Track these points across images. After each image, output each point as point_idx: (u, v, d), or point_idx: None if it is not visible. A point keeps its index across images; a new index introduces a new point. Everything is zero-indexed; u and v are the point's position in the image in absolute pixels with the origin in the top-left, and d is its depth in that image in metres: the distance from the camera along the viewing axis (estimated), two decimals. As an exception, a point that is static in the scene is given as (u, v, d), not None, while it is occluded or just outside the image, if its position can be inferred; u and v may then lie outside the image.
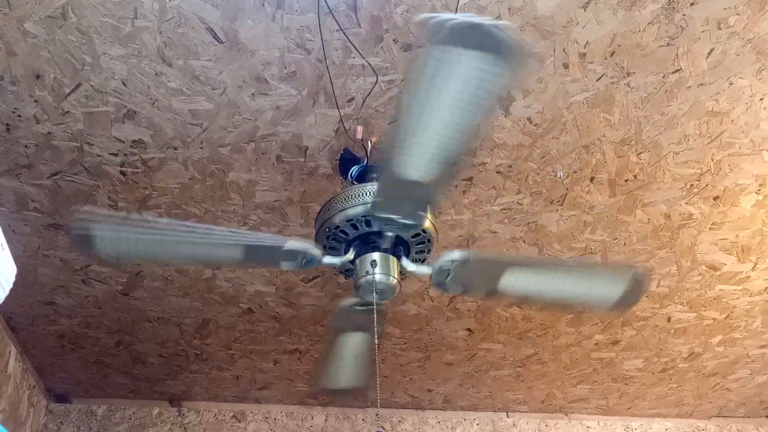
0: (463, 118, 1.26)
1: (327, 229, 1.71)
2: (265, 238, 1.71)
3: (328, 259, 1.72)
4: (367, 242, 1.72)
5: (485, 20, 1.10)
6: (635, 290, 1.77)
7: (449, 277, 1.69)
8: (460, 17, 1.10)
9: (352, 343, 1.98)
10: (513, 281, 1.72)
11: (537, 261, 1.73)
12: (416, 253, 1.75)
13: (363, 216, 1.65)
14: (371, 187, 1.71)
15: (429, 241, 1.72)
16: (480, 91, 1.20)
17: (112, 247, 1.62)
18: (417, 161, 1.39)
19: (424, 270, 1.73)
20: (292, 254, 1.67)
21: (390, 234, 1.68)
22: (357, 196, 1.69)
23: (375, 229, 1.67)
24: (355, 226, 1.68)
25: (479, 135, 1.45)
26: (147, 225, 1.64)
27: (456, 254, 1.67)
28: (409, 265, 1.72)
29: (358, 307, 1.82)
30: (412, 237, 1.70)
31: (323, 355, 2.09)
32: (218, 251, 1.68)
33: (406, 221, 1.60)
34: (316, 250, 1.68)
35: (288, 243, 1.65)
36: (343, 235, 1.71)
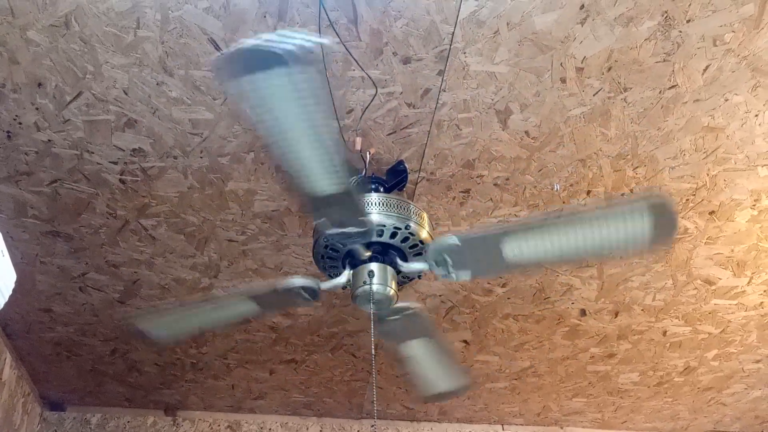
0: (310, 123, 1.29)
1: (319, 249, 1.73)
2: (265, 285, 1.80)
3: (326, 285, 1.76)
4: (358, 255, 1.73)
5: (249, 42, 1.14)
6: (665, 218, 1.53)
7: (450, 266, 1.66)
8: (227, 51, 1.18)
9: (414, 351, 1.99)
10: (518, 249, 1.60)
11: (535, 221, 1.61)
12: (414, 255, 1.76)
13: (322, 239, 1.68)
14: (369, 198, 1.72)
15: (422, 242, 1.72)
16: (297, 96, 1.23)
17: (163, 332, 2.00)
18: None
19: (419, 266, 1.73)
20: (294, 293, 1.75)
21: (363, 244, 1.70)
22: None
23: (381, 240, 1.69)
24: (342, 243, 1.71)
25: (338, 133, 1.49)
26: (182, 308, 1.92)
27: (443, 240, 1.64)
28: (407, 267, 1.73)
29: (392, 317, 1.83)
30: (402, 242, 1.71)
31: (400, 368, 2.13)
32: (233, 311, 1.87)
33: (356, 229, 1.61)
34: (311, 283, 1.74)
35: (283, 284, 1.74)
36: (334, 252, 1.73)
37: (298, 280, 1.74)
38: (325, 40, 1.19)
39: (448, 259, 1.65)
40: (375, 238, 1.69)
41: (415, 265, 1.73)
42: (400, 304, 1.78)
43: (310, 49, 1.16)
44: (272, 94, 1.21)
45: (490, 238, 1.61)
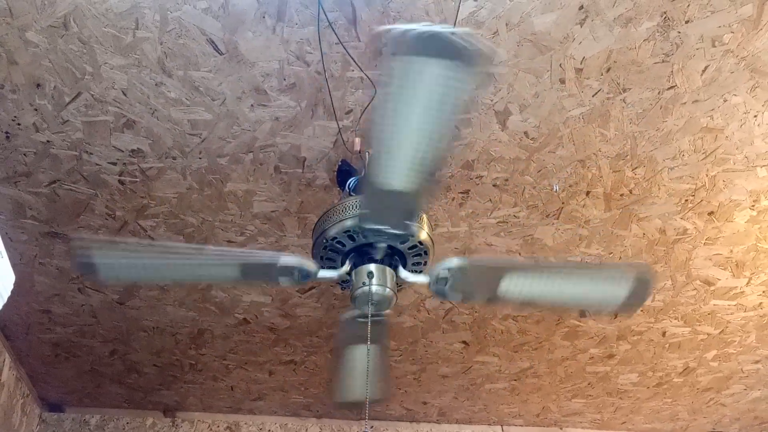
0: (434, 125, 1.29)
1: (323, 241, 1.72)
2: (260, 254, 1.73)
3: (323, 273, 1.72)
4: (362, 254, 1.73)
5: (443, 28, 1.13)
6: (641, 290, 1.72)
7: (448, 285, 1.68)
8: (419, 27, 1.13)
9: (359, 355, 1.98)
10: (513, 286, 1.69)
11: (536, 265, 1.71)
12: (413, 264, 1.76)
13: (352, 228, 1.66)
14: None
15: (425, 252, 1.73)
16: (447, 97, 1.23)
17: (115, 272, 1.72)
18: (396, 171, 1.41)
19: (421, 279, 1.73)
20: (287, 270, 1.68)
21: (383, 245, 1.69)
22: (353, 207, 1.70)
23: (370, 240, 1.68)
24: (351, 238, 1.69)
25: (454, 141, 1.48)
26: (145, 249, 1.74)
27: (453, 261, 1.66)
28: (407, 276, 1.73)
29: (360, 319, 1.82)
30: (409, 248, 1.71)
31: (333, 368, 2.10)
32: (215, 270, 1.73)
33: (394, 231, 1.61)
34: (310, 265, 1.69)
35: (282, 259, 1.67)
36: (340, 246, 1.72)
37: (297, 260, 1.69)
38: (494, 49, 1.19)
39: (450, 279, 1.67)
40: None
41: (416, 278, 1.74)
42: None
43: (483, 54, 1.16)
44: (432, 83, 1.20)
45: (495, 270, 1.68)
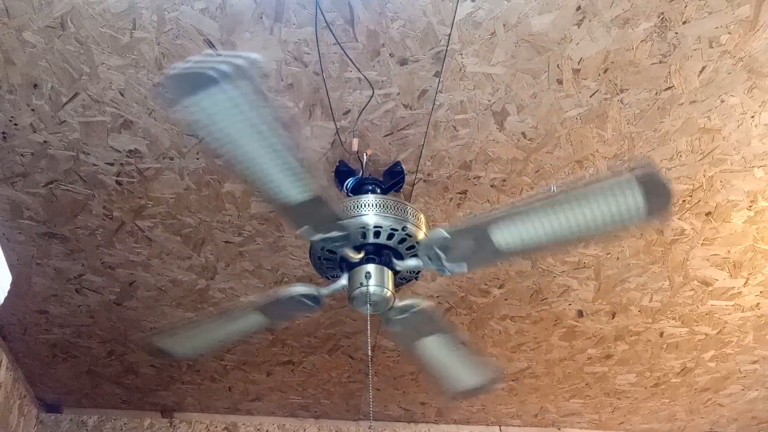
0: (260, 139, 1.30)
1: (316, 252, 1.73)
2: (267, 297, 1.81)
3: (327, 290, 1.77)
4: (350, 257, 1.73)
5: (185, 63, 1.17)
6: (656, 189, 1.43)
7: (443, 260, 1.66)
8: (173, 71, 1.18)
9: (243, 323, 1.97)
10: (507, 236, 1.57)
11: (521, 207, 1.54)
12: (411, 257, 1.76)
13: (377, 227, 1.68)
14: (366, 199, 1.72)
15: (418, 243, 1.72)
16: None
17: (182, 349, 2.03)
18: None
19: (413, 263, 1.73)
20: (298, 301, 1.77)
21: (380, 245, 1.69)
22: (352, 208, 1.70)
23: (378, 241, 1.70)
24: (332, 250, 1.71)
25: (299, 142, 1.51)
26: (196, 324, 1.94)
27: (433, 234, 1.64)
28: (402, 265, 1.74)
29: (303, 299, 1.82)
30: (399, 243, 1.71)
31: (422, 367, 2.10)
32: (247, 324, 1.89)
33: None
34: (311, 290, 1.76)
35: (287, 292, 1.75)
36: (332, 254, 1.73)
37: (298, 288, 1.76)
38: (255, 56, 1.19)
39: (441, 254, 1.64)
40: (371, 240, 1.69)
41: (408, 263, 1.73)
42: (406, 302, 1.76)
43: (242, 65, 1.17)
44: (216, 112, 1.23)
45: (479, 228, 1.58)
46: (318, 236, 1.59)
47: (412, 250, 1.74)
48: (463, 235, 1.62)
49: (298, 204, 1.47)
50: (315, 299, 1.77)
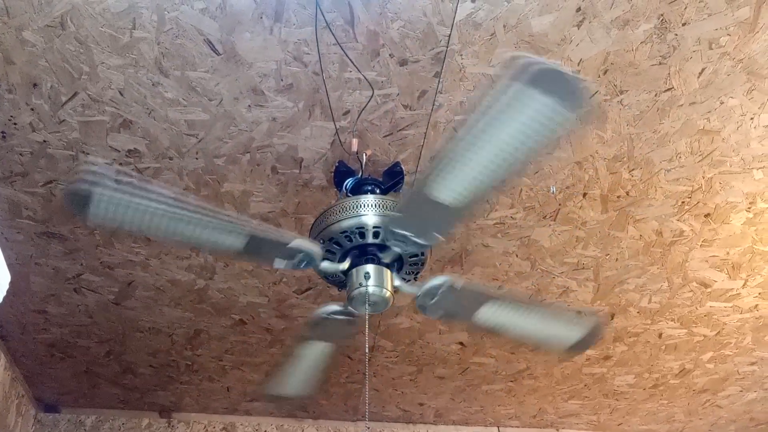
0: (513, 155, 1.30)
1: (321, 241, 1.72)
2: (272, 231, 1.65)
3: (324, 265, 1.72)
4: (361, 254, 1.73)
5: (567, 69, 1.18)
6: (590, 337, 1.89)
7: (433, 301, 1.70)
8: (547, 63, 1.18)
9: (313, 351, 1.96)
10: (489, 314, 1.76)
11: (513, 298, 1.79)
12: (407, 273, 1.76)
13: (377, 227, 1.66)
14: (365, 200, 1.72)
15: (423, 263, 1.74)
16: (540, 133, 1.26)
17: (109, 212, 1.47)
18: (454, 185, 1.43)
19: (411, 289, 1.74)
20: (293, 252, 1.64)
21: (396, 250, 1.68)
22: (351, 208, 1.70)
23: (377, 242, 1.68)
24: (349, 238, 1.69)
25: (520, 174, 1.51)
26: (152, 193, 1.49)
27: (447, 279, 1.68)
28: (399, 283, 1.73)
29: (336, 316, 1.82)
30: (410, 256, 1.71)
31: (281, 360, 2.12)
32: (220, 236, 1.57)
33: (418, 240, 1.61)
34: (318, 253, 1.66)
35: (294, 241, 1.63)
36: (337, 247, 1.72)
37: (308, 245, 1.66)
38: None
39: (437, 296, 1.69)
40: (371, 240, 1.69)
41: (407, 287, 1.74)
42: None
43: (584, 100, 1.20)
44: (533, 116, 1.23)
45: (480, 296, 1.73)
46: (399, 229, 1.59)
47: (414, 258, 1.75)
48: (464, 294, 1.71)
49: (441, 204, 1.46)
50: (308, 262, 1.67)
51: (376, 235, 1.69)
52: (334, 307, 1.78)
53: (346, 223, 1.67)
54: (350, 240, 1.70)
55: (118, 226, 1.50)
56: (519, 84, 1.19)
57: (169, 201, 1.50)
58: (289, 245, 1.62)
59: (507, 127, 1.26)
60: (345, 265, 1.72)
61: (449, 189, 1.42)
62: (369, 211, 1.70)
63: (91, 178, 1.44)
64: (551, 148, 1.32)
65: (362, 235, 1.69)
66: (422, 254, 1.71)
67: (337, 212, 1.71)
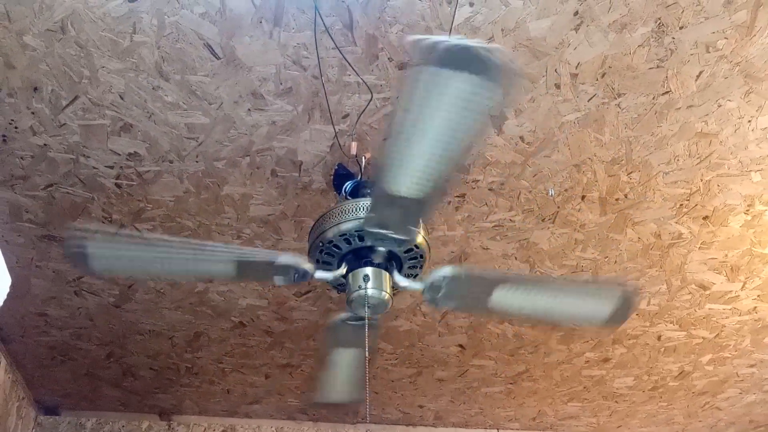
0: (453, 137, 1.30)
1: (320, 244, 1.72)
2: (257, 252, 1.74)
3: (320, 274, 1.73)
4: (359, 257, 1.73)
5: (475, 43, 1.13)
6: (624, 308, 1.80)
7: (441, 293, 1.70)
8: (452, 40, 1.13)
9: (345, 358, 1.98)
10: (504, 298, 1.73)
11: (528, 278, 1.75)
12: (409, 268, 1.76)
13: (356, 231, 1.66)
14: (365, 202, 1.72)
15: (421, 256, 1.73)
16: (470, 111, 1.24)
17: (107, 263, 1.67)
18: (408, 178, 1.42)
19: (416, 286, 1.74)
20: (284, 269, 1.69)
21: (382, 249, 1.69)
22: (350, 211, 1.71)
23: (368, 243, 1.69)
24: (348, 241, 1.70)
25: (469, 153, 1.49)
26: (140, 241, 1.72)
27: (448, 270, 1.68)
28: (402, 281, 1.74)
29: (351, 322, 1.83)
30: (405, 252, 1.72)
31: (317, 369, 2.11)
32: (211, 267, 1.70)
33: (397, 236, 1.61)
34: (307, 264, 1.70)
35: (280, 258, 1.67)
36: (336, 250, 1.72)
37: (295, 260, 1.69)
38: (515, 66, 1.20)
39: (443, 288, 1.68)
40: (370, 243, 1.70)
41: (411, 284, 1.74)
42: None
43: (509, 70, 1.18)
44: (456, 96, 1.21)
45: (487, 282, 1.70)
46: (376, 228, 1.60)
47: (411, 253, 1.75)
48: (471, 280, 1.71)
49: (403, 197, 1.46)
50: (302, 276, 1.70)
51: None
52: (345, 313, 1.79)
53: (345, 226, 1.68)
54: (349, 243, 1.70)
55: (117, 273, 1.79)
56: (430, 67, 1.17)
57: (157, 245, 1.67)
58: (276, 263, 1.67)
59: (436, 114, 1.26)
60: (342, 270, 1.73)
61: (405, 183, 1.43)
62: (367, 213, 1.70)
63: (84, 236, 1.65)
64: (484, 126, 1.30)
65: (361, 237, 1.69)
66: (417, 248, 1.71)
67: (337, 215, 1.71)
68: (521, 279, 1.75)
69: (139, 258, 1.66)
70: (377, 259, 1.72)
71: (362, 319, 1.77)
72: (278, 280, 1.71)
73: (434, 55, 1.15)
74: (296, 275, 1.70)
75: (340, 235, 1.68)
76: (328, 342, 1.95)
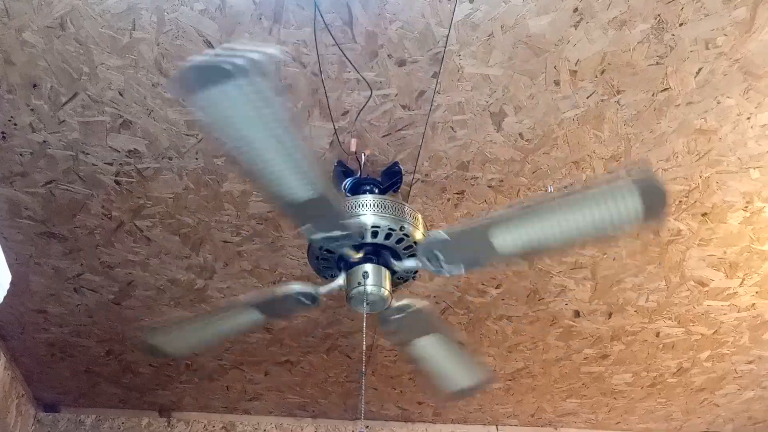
0: (270, 136, 1.30)
1: (314, 252, 1.74)
2: (266, 292, 1.82)
3: (324, 289, 1.77)
4: (349, 259, 1.74)
5: (203, 56, 1.17)
6: (654, 195, 1.47)
7: (442, 261, 1.66)
8: (190, 63, 1.17)
9: (426, 348, 1.98)
10: (507, 239, 1.58)
11: (522, 210, 1.55)
12: (408, 256, 1.76)
13: (375, 227, 1.68)
14: (364, 199, 1.73)
15: (416, 243, 1.72)
16: (259, 110, 1.24)
17: (173, 347, 2.02)
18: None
19: (411, 263, 1.74)
20: (294, 299, 1.78)
21: (365, 246, 1.71)
22: (350, 208, 1.71)
23: (376, 241, 1.70)
24: (329, 250, 1.71)
25: (306, 141, 1.58)
26: (189, 321, 2.00)
27: (432, 236, 1.64)
28: (399, 266, 1.74)
29: (399, 314, 1.83)
30: (396, 243, 1.72)
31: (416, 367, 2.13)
32: (242, 321, 1.89)
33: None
34: (309, 288, 1.77)
35: (282, 290, 1.76)
36: (329, 254, 1.73)
37: (295, 287, 1.76)
38: (273, 50, 1.19)
39: (440, 255, 1.65)
40: (369, 239, 1.70)
41: (407, 263, 1.74)
42: (402, 302, 1.77)
43: (259, 60, 1.17)
44: (228, 107, 1.22)
45: (478, 231, 1.59)
46: (319, 235, 1.60)
47: (410, 249, 1.75)
48: (462, 237, 1.63)
49: (303, 202, 1.47)
50: (312, 298, 1.77)
51: (374, 234, 1.70)
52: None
53: (314, 239, 1.68)
54: (331, 251, 1.71)
55: (183, 351, 2.09)
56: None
57: (198, 320, 1.98)
58: (285, 296, 1.77)
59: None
60: (342, 276, 1.75)
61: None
62: (368, 210, 1.70)
63: (151, 333, 2.02)
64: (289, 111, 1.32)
65: (361, 234, 1.70)
66: (402, 230, 1.70)
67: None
68: (513, 212, 1.56)
69: (192, 335, 1.99)
70: (374, 255, 1.73)
71: (310, 299, 1.81)
72: (303, 308, 1.83)
73: (190, 81, 1.18)
74: (308, 300, 1.79)
75: (319, 248, 1.71)
76: (398, 337, 1.96)
